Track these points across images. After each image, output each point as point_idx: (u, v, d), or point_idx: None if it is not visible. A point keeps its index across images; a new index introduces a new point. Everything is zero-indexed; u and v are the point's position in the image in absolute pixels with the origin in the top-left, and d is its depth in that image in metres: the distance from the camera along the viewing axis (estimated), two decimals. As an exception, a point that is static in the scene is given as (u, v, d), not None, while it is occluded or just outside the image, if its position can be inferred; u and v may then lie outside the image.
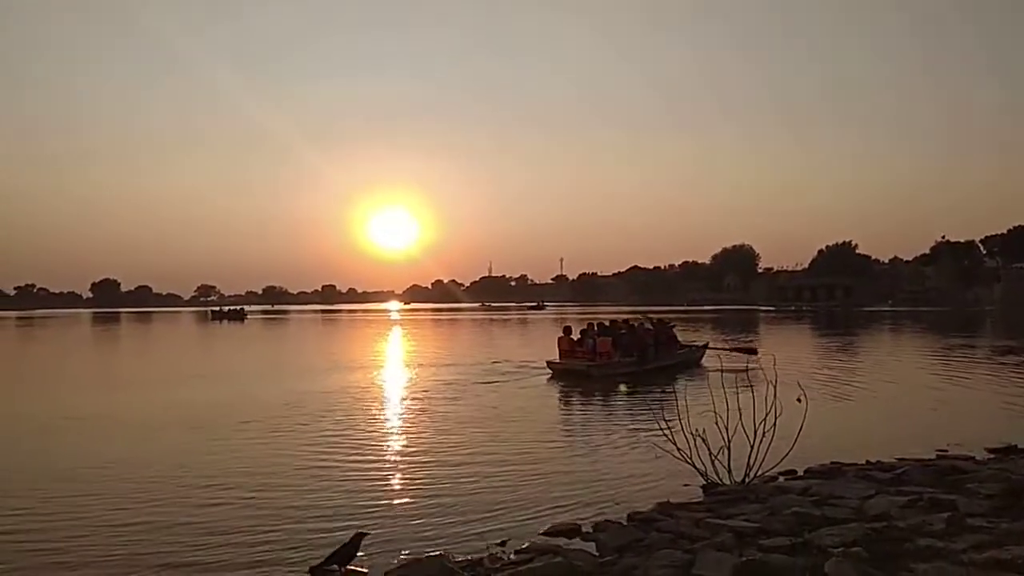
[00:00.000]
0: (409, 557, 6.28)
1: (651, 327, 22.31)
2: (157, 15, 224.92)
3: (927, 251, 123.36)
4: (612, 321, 22.66)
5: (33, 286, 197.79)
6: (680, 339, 23.39)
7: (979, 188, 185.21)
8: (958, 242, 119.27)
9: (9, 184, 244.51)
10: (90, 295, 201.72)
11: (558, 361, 20.38)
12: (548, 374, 20.11)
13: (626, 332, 21.22)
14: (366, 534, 6.41)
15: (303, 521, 7.40)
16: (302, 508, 7.85)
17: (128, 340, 50.42)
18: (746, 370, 15.96)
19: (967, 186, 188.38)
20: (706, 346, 23.58)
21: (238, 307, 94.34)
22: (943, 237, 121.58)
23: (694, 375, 19.46)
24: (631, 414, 13.98)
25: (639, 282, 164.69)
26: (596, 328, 21.07)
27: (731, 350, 22.17)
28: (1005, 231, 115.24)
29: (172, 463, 10.08)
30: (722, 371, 14.75)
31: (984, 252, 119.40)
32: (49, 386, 20.57)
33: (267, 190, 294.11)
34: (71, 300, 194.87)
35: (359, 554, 6.18)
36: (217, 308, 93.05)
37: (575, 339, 20.50)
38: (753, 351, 21.20)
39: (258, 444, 11.44)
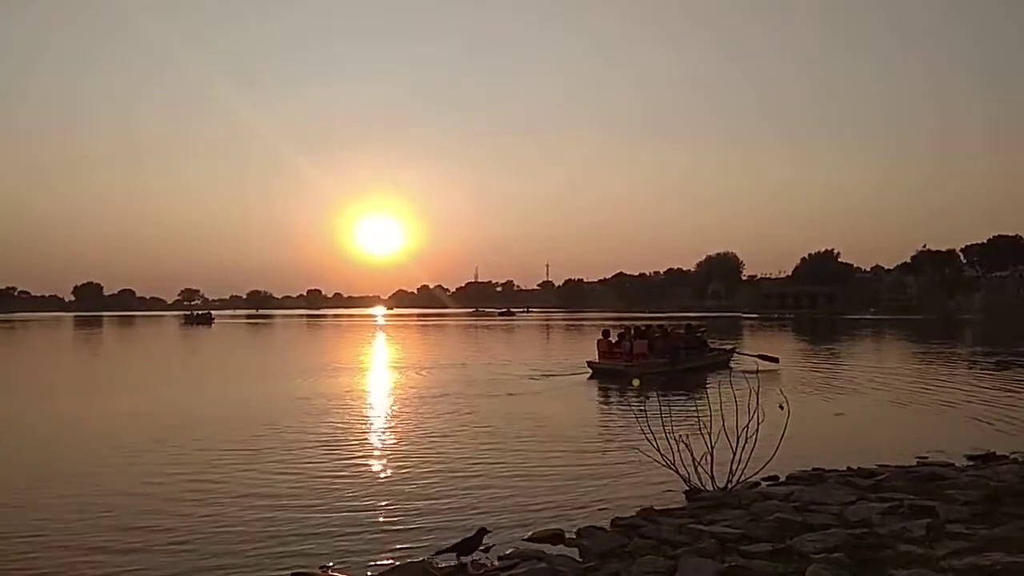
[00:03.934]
0: (390, 563, 6.24)
1: (682, 332, 24.20)
2: (148, 21, 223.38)
3: (908, 260, 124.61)
4: (647, 325, 24.77)
5: (14, 289, 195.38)
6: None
7: (960, 198, 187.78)
8: (939, 251, 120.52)
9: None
10: (72, 299, 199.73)
11: (598, 361, 22.09)
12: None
13: (660, 336, 22.92)
14: (488, 530, 6.45)
15: (283, 525, 7.33)
16: (280, 515, 7.79)
17: (79, 345, 49.59)
18: (727, 371, 16.00)
19: (948, 196, 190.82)
20: (734, 350, 24.80)
21: (206, 311, 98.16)
22: (924, 246, 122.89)
23: (697, 380, 19.53)
24: (617, 420, 14.00)
25: (624, 289, 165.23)
26: (632, 332, 22.86)
27: (757, 357, 22.20)
28: (985, 240, 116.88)
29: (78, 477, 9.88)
30: (711, 376, 14.71)
31: (964, 261, 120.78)
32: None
33: (254, 194, 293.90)
34: (53, 303, 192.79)
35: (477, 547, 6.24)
36: (188, 313, 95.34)
37: (613, 341, 22.37)
38: (775, 359, 22.69)
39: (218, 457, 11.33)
